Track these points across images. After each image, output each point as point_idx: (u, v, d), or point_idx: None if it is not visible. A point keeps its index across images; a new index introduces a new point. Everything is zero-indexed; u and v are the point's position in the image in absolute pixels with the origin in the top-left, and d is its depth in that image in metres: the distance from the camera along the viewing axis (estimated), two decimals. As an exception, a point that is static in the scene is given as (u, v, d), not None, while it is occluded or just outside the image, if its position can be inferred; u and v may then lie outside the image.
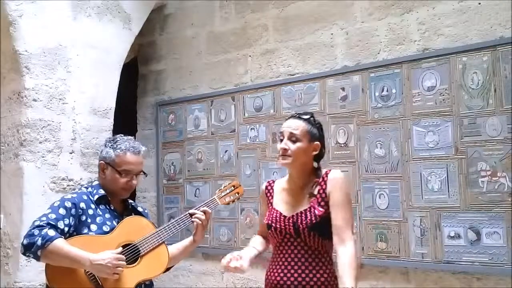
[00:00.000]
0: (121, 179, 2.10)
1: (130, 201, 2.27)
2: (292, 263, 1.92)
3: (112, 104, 3.53)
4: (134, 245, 2.04)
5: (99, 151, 2.32)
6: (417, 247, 2.77)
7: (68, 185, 3.20)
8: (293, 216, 1.95)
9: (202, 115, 3.77)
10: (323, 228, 1.90)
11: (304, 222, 1.91)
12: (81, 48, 3.34)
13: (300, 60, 3.33)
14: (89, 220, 2.05)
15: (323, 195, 1.93)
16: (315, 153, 1.98)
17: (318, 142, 1.98)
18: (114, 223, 2.08)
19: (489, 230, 2.57)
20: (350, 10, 3.13)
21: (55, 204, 2.03)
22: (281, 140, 1.97)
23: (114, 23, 3.53)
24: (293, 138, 1.94)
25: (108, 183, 2.13)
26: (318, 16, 3.26)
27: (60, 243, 1.90)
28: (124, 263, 1.95)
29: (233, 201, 2.29)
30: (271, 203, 2.06)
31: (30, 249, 1.90)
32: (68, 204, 2.02)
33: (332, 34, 3.20)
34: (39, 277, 2.80)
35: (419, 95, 2.82)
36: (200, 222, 2.14)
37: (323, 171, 1.98)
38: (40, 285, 2.94)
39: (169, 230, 2.11)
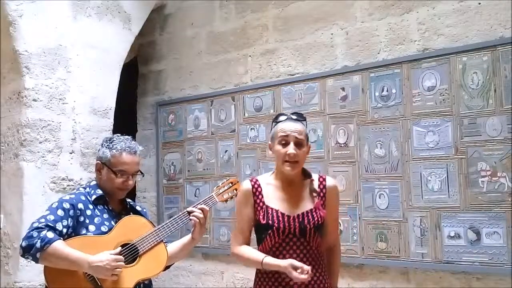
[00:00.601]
0: (117, 179, 2.10)
1: (129, 200, 2.27)
2: None
3: (112, 104, 3.53)
4: (132, 244, 2.04)
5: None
6: (417, 247, 2.77)
7: (68, 185, 3.20)
8: (298, 215, 1.94)
9: (202, 115, 3.77)
10: (322, 228, 1.98)
11: (312, 222, 1.93)
12: (81, 48, 3.35)
13: (300, 60, 3.33)
14: (87, 221, 2.05)
15: (324, 198, 2.01)
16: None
17: (310, 144, 2.06)
18: (112, 223, 2.08)
19: (489, 230, 2.56)
20: (350, 10, 3.13)
21: (53, 206, 2.03)
22: (283, 144, 1.96)
23: (114, 23, 3.53)
24: (298, 143, 1.96)
25: (104, 183, 2.13)
26: (318, 16, 3.26)
27: (59, 245, 1.90)
28: (123, 263, 1.94)
29: (231, 197, 2.28)
30: (262, 202, 1.99)
31: (29, 251, 1.90)
32: (66, 206, 2.02)
33: (332, 34, 3.20)
34: (39, 277, 2.79)
35: (419, 95, 2.82)
36: (197, 220, 2.13)
37: (314, 175, 2.07)
38: (40, 285, 2.94)
39: (167, 228, 2.11)
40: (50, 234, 1.90)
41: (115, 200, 2.18)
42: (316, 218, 1.94)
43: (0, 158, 3.23)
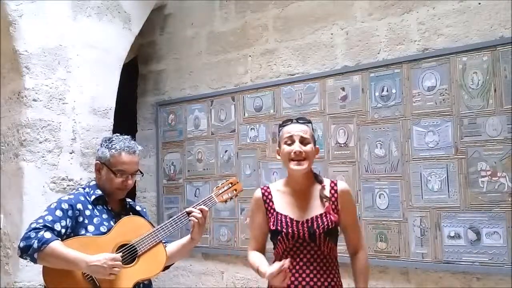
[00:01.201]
0: (116, 179, 2.09)
1: (129, 200, 2.27)
2: (304, 267, 1.91)
3: (112, 104, 3.53)
4: (131, 245, 2.04)
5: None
6: (417, 247, 2.77)
7: (68, 185, 3.20)
8: (307, 220, 1.93)
9: (202, 115, 3.77)
10: (335, 234, 1.96)
11: (321, 226, 1.91)
12: (81, 48, 3.35)
13: (300, 60, 3.33)
14: (86, 221, 2.05)
15: (336, 203, 1.98)
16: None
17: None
18: (112, 223, 2.08)
19: (489, 230, 2.56)
20: (350, 10, 3.13)
21: (52, 206, 2.03)
22: (289, 144, 1.96)
23: (114, 23, 3.53)
24: (304, 142, 1.95)
25: (104, 183, 2.13)
26: (318, 16, 3.26)
27: (57, 246, 1.90)
28: (120, 263, 1.94)
29: (231, 198, 2.28)
30: (273, 209, 2.01)
31: (26, 251, 1.90)
32: (65, 206, 2.02)
33: (332, 34, 3.19)
34: (39, 277, 2.76)
35: (419, 95, 2.81)
36: (196, 220, 2.12)
37: (325, 180, 2.03)
38: (40, 285, 2.94)
39: (166, 229, 2.10)
40: (48, 235, 1.90)
41: (115, 200, 2.17)
42: (326, 223, 1.91)
43: (0, 158, 3.23)
